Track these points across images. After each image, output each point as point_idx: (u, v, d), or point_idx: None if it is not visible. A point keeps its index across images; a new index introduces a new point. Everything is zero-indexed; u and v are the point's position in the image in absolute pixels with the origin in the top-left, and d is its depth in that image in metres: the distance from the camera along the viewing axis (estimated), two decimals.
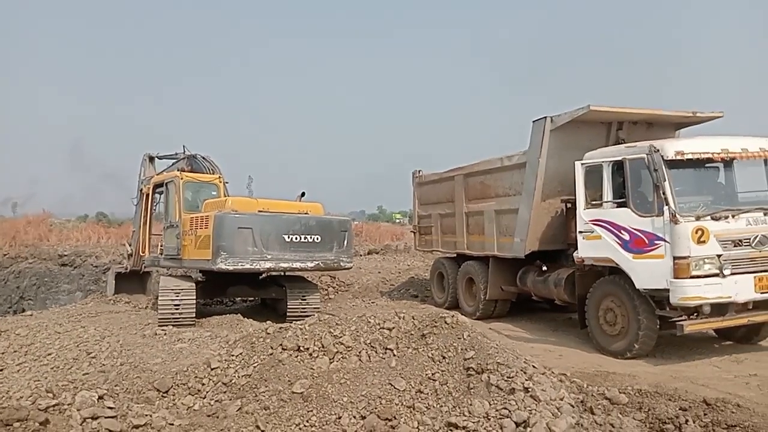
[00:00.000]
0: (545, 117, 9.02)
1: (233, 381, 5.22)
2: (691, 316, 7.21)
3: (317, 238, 10.10)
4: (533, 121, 9.27)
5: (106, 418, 4.43)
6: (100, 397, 4.71)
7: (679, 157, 7.23)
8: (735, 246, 7.11)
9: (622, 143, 8.64)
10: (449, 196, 12.13)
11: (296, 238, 9.90)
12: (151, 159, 13.46)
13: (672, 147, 7.34)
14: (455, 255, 12.36)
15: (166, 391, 5.28)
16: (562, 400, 4.59)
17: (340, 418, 4.57)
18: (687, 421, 4.87)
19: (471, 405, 4.51)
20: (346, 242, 10.52)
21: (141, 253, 13.01)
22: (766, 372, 6.75)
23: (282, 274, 11.13)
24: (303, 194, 11.44)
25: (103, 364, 6.91)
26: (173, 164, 12.77)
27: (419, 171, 13.74)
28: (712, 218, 7.10)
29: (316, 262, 10.12)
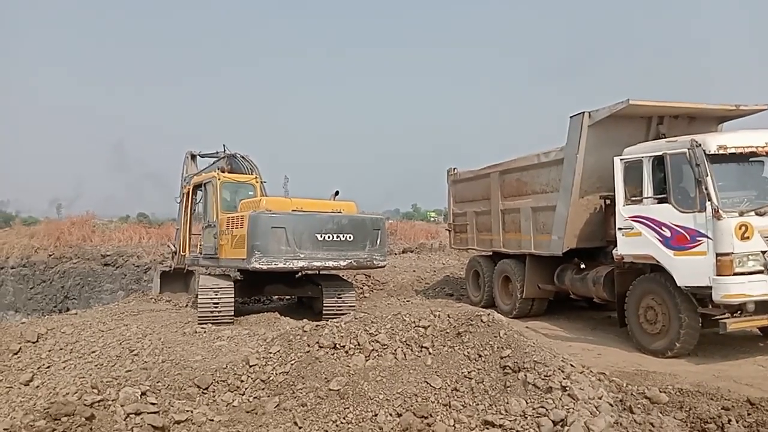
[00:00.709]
0: (583, 112, 8.88)
1: (271, 378, 5.31)
2: (734, 314, 7.02)
3: (350, 237, 10.14)
4: (570, 117, 9.14)
5: (148, 413, 4.56)
6: (143, 393, 4.86)
7: (721, 152, 7.05)
8: None
9: (662, 138, 8.44)
10: (485, 194, 12.05)
11: (329, 237, 9.95)
12: (193, 157, 13.70)
13: (714, 141, 7.16)
14: (491, 253, 12.28)
15: (206, 387, 5.39)
16: (600, 398, 4.54)
17: (376, 415, 4.60)
18: (730, 420, 4.76)
19: (508, 403, 4.50)
20: (379, 240, 10.54)
21: (182, 253, 13.27)
22: None
23: (317, 272, 11.23)
24: (337, 193, 11.51)
25: (145, 361, 7.09)
26: (213, 163, 13.01)
27: (454, 169, 13.68)
28: (757, 214, 6.91)
29: (349, 261, 10.17)
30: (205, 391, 5.35)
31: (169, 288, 13.88)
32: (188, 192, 13.17)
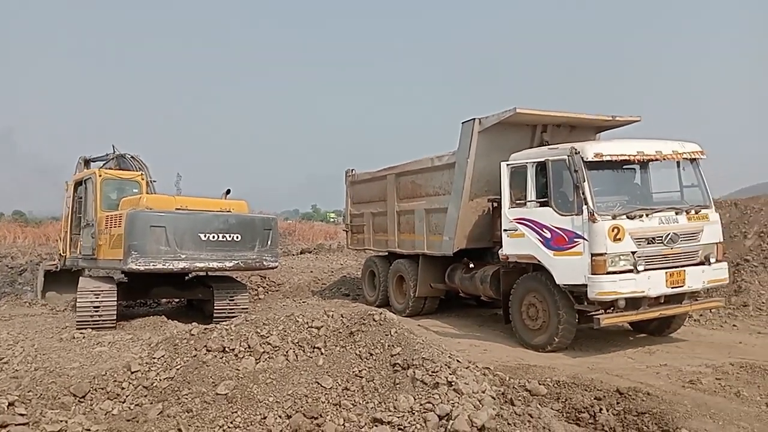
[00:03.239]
0: (474, 119, 9.21)
1: (155, 384, 5.08)
2: (607, 310, 7.54)
3: (237, 237, 9.85)
4: (462, 123, 9.46)
5: (16, 425, 4.24)
6: (11, 404, 4.51)
7: (597, 159, 7.54)
8: (648, 243, 7.48)
9: (546, 145, 8.92)
10: (381, 195, 12.21)
11: (214, 237, 9.63)
12: (87, 162, 12.89)
13: (591, 149, 7.64)
14: (386, 253, 12.46)
15: (83, 396, 5.07)
16: (484, 392, 4.71)
17: (265, 418, 4.52)
18: (601, 409, 5.12)
19: (396, 400, 4.56)
20: (270, 241, 10.31)
21: (62, 253, 12.47)
22: (675, 362, 7.16)
23: (207, 274, 10.89)
24: (228, 191, 11.24)
25: (16, 370, 6.61)
26: (103, 165, 12.37)
27: (352, 170, 13.75)
28: (628, 217, 7.44)
29: (236, 262, 9.87)
30: (82, 400, 5.03)
31: (54, 288, 12.94)
32: (69, 190, 12.43)
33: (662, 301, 7.78)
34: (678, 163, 8.23)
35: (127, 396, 5.03)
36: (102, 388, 5.13)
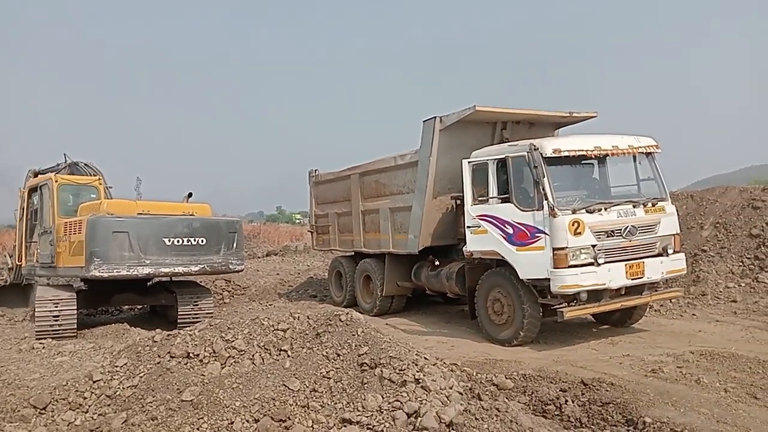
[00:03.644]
0: (435, 117, 9.28)
1: (118, 393, 4.97)
2: (570, 303, 7.67)
3: (202, 241, 9.73)
4: (424, 121, 9.51)
5: None
6: None
7: (556, 155, 7.66)
8: (608, 236, 7.63)
9: (506, 142, 9.03)
10: (346, 195, 12.19)
11: (178, 242, 9.48)
12: (36, 174, 12.48)
13: (550, 145, 7.77)
14: (352, 253, 12.45)
15: (43, 407, 4.94)
16: (451, 388, 4.76)
17: (232, 423, 4.48)
18: (567, 401, 5.22)
19: (365, 400, 4.57)
20: (235, 244, 10.20)
21: (18, 263, 12.10)
22: (637, 352, 7.32)
23: (169, 279, 10.71)
24: (190, 195, 11.07)
25: None
26: (56, 174, 12.01)
27: (316, 170, 13.69)
28: (587, 211, 7.58)
29: (202, 266, 9.74)
30: (43, 411, 4.91)
31: (4, 303, 12.58)
32: (23, 197, 12.08)
33: (623, 293, 7.94)
34: (634, 157, 8.42)
35: (89, 406, 4.92)
36: (63, 399, 5.01)
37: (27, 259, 11.82)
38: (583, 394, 5.41)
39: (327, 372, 5.02)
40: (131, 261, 9.04)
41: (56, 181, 10.80)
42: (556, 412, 5.12)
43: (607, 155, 8.15)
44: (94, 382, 5.14)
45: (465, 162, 8.67)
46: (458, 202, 9.33)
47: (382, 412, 4.44)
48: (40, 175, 12.33)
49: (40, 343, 8.27)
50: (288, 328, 5.68)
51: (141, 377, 5.07)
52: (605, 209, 7.69)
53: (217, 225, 10.18)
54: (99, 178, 11.37)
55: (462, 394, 4.77)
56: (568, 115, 9.76)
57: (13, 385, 5.92)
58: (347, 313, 5.80)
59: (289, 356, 5.34)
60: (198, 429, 4.42)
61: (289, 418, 4.50)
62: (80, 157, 12.04)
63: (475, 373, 5.53)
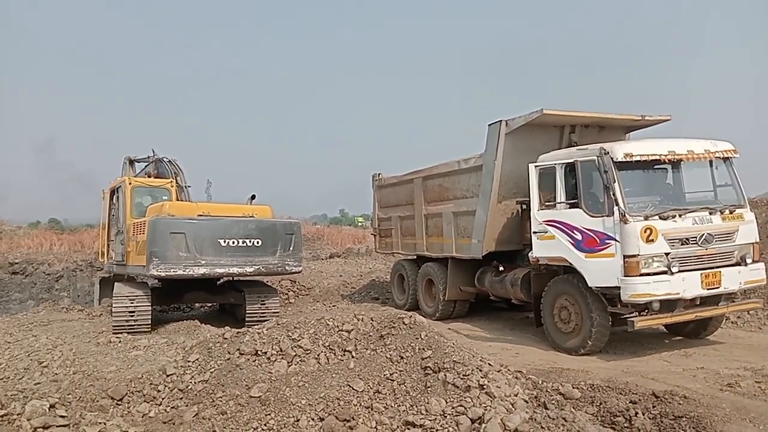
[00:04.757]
0: (500, 120, 9.18)
1: (189, 387, 5.17)
2: (641, 313, 7.42)
3: (258, 242, 9.86)
4: (489, 125, 9.42)
5: (57, 426, 4.36)
6: (52, 406, 4.63)
7: (627, 159, 7.44)
8: (682, 244, 7.35)
9: (574, 146, 8.84)
10: (409, 199, 12.22)
11: (233, 243, 9.65)
12: (132, 162, 13.16)
13: (621, 149, 7.55)
14: (415, 257, 12.46)
15: (120, 398, 5.19)
16: (516, 396, 4.69)
17: (298, 420, 4.58)
18: (637, 413, 5.04)
19: (428, 403, 4.58)
20: (292, 246, 10.28)
21: (101, 259, 12.75)
22: (713, 365, 7.01)
23: (233, 278, 10.98)
24: (253, 197, 11.31)
25: (56, 373, 6.74)
26: (144, 168, 12.68)
27: (379, 174, 13.79)
28: (660, 218, 7.33)
29: (257, 267, 9.87)
30: (120, 403, 5.15)
31: (109, 295, 13.24)
32: (106, 197, 12.74)
33: (698, 303, 7.63)
34: (711, 162, 8.08)
35: (163, 398, 5.13)
36: (139, 391, 5.24)
37: (108, 257, 12.43)
38: (654, 407, 5.21)
39: (390, 374, 5.06)
40: (187, 261, 9.30)
41: (129, 184, 11.30)
42: (625, 425, 4.95)
43: (682, 160, 7.85)
44: (168, 375, 5.36)
45: (532, 166, 8.53)
46: (524, 206, 9.19)
47: (445, 417, 4.43)
48: (134, 163, 12.91)
49: (117, 337, 8.65)
50: (352, 329, 5.76)
51: (212, 372, 5.25)
52: (679, 216, 7.41)
53: (274, 226, 10.31)
54: (171, 181, 11.79)
55: (527, 402, 4.71)
56: (640, 118, 9.45)
57: (92, 376, 6.21)
58: (411, 316, 5.82)
59: (353, 357, 5.41)
60: (265, 425, 4.54)
61: (353, 418, 4.56)
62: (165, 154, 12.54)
63: (540, 382, 5.44)
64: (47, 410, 4.51)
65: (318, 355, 5.48)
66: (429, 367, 4.99)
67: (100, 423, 4.58)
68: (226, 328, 7.13)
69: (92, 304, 13.42)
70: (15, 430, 4.21)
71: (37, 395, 5.04)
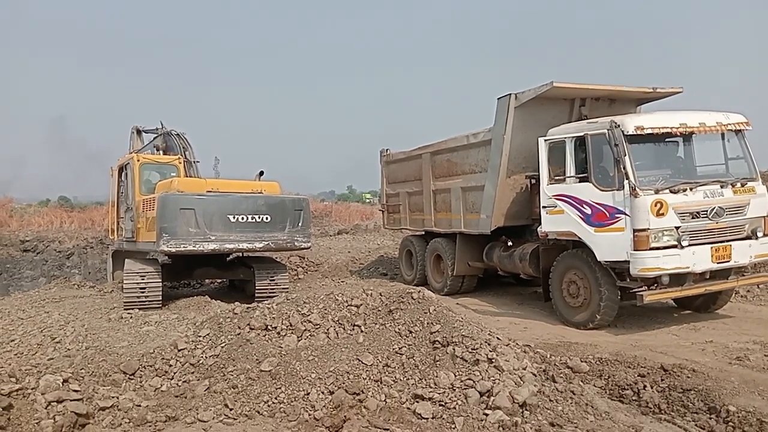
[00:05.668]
0: (510, 94, 9.08)
1: (201, 361, 5.22)
2: (650, 287, 7.39)
3: (267, 218, 9.88)
4: (498, 99, 9.32)
5: (71, 401, 4.41)
6: (65, 381, 4.68)
7: (638, 132, 7.36)
8: (693, 218, 7.30)
9: (584, 119, 8.74)
10: (417, 175, 12.17)
11: (242, 219, 9.68)
12: (139, 132, 13.10)
13: (632, 122, 7.46)
14: (423, 232, 12.46)
15: (132, 373, 5.25)
16: (524, 369, 4.71)
17: (308, 394, 4.62)
18: (645, 387, 5.07)
19: (437, 377, 4.60)
20: (301, 222, 10.29)
21: (111, 236, 12.80)
22: (721, 339, 7.01)
23: (243, 254, 11.02)
24: (262, 173, 11.30)
25: (68, 349, 6.85)
26: (152, 140, 12.64)
27: (387, 150, 13.72)
28: (671, 191, 7.26)
29: (266, 242, 9.91)
30: (132, 377, 5.21)
31: (122, 268, 13.32)
32: (115, 174, 12.76)
33: (707, 277, 7.59)
34: (723, 134, 7.99)
35: (174, 373, 5.19)
36: (150, 366, 5.30)
37: (118, 234, 12.50)
38: (662, 380, 5.23)
39: (399, 348, 5.08)
40: (197, 237, 9.33)
41: (138, 161, 11.31)
42: (633, 398, 4.98)
43: (693, 133, 7.78)
44: (179, 350, 5.41)
45: (541, 140, 8.46)
46: (533, 181, 9.13)
47: (454, 390, 4.46)
48: (142, 133, 12.87)
49: (128, 313, 8.74)
50: (361, 304, 5.78)
51: (222, 347, 5.30)
52: (690, 189, 7.34)
53: (282, 203, 10.33)
54: (179, 157, 11.78)
55: (535, 376, 4.72)
56: (651, 90, 9.32)
57: (105, 351, 6.29)
58: (419, 291, 5.83)
59: (362, 331, 5.44)
60: (276, 398, 4.59)
61: (363, 392, 4.60)
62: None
63: (549, 355, 5.45)
64: (61, 384, 4.56)
65: (327, 329, 5.51)
66: (438, 341, 5.01)
67: (113, 397, 4.63)
68: (236, 303, 7.18)
69: (103, 281, 13.54)
70: (30, 403, 4.27)
71: (50, 370, 5.10)
